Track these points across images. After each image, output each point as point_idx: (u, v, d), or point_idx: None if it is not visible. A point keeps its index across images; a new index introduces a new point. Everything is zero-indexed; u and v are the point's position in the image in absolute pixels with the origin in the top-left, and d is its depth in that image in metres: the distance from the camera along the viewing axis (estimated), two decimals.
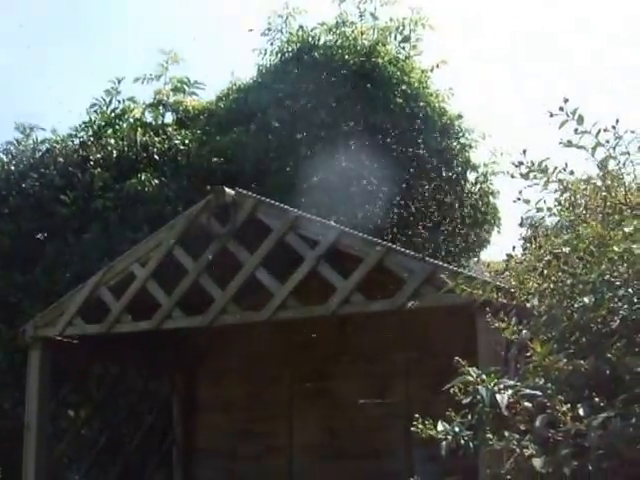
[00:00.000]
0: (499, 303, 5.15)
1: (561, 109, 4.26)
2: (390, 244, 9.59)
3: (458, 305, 7.80)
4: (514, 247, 5.50)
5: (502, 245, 18.34)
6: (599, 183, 4.52)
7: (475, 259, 17.70)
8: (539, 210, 5.13)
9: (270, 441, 12.16)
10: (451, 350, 10.29)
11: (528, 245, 5.87)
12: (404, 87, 15.95)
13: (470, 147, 17.10)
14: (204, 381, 12.95)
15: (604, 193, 4.41)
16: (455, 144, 16.66)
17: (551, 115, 4.28)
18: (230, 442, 12.37)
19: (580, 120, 4.25)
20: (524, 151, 4.62)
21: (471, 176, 17.37)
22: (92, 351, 11.21)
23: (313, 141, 15.11)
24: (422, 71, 16.65)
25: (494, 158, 17.36)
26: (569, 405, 3.32)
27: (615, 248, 4.10)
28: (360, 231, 9.69)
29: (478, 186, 17.40)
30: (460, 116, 16.94)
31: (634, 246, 3.91)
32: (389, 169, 15.13)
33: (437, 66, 16.94)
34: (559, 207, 4.81)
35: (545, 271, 4.68)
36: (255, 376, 12.21)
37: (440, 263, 9.31)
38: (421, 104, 16.07)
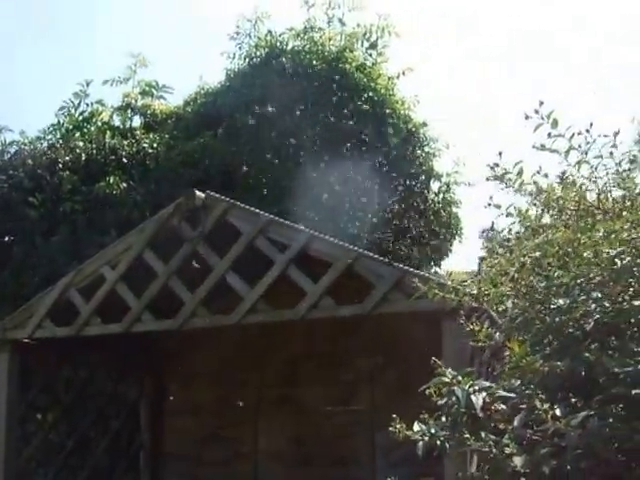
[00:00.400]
0: (468, 308, 5.16)
1: (536, 112, 4.27)
2: (360, 249, 9.66)
3: (426, 311, 7.93)
4: (482, 259, 5.53)
5: (463, 254, 18.61)
6: (572, 186, 4.56)
7: (437, 268, 17.85)
8: (509, 215, 5.24)
9: (237, 447, 12.14)
10: (415, 356, 10.49)
11: (491, 254, 5.89)
12: (371, 93, 16.06)
13: (434, 156, 17.24)
14: (172, 385, 12.93)
15: (575, 197, 4.50)
16: (420, 152, 16.80)
17: (526, 118, 4.29)
18: (197, 447, 12.34)
19: (554, 124, 4.28)
20: (500, 153, 4.67)
21: (434, 185, 17.51)
22: (61, 354, 11.15)
23: (281, 146, 15.21)
24: (389, 78, 16.78)
25: (457, 168, 17.54)
26: (548, 405, 3.37)
27: (585, 253, 4.15)
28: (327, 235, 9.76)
29: (441, 195, 17.52)
30: (425, 124, 17.07)
31: (606, 250, 3.96)
32: (355, 175, 15.28)
33: (403, 73, 17.10)
34: (531, 210, 4.93)
35: (516, 275, 4.67)
36: (223, 381, 12.19)
37: (409, 269, 9.41)
38: (387, 111, 16.19)
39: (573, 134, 4.31)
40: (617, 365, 3.33)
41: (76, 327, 10.03)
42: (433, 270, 17.41)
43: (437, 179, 17.43)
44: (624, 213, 4.09)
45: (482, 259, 5.61)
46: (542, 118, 4.27)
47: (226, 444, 12.13)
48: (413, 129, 16.73)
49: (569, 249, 4.30)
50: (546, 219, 5.04)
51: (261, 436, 12.06)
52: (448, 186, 17.60)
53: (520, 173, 4.61)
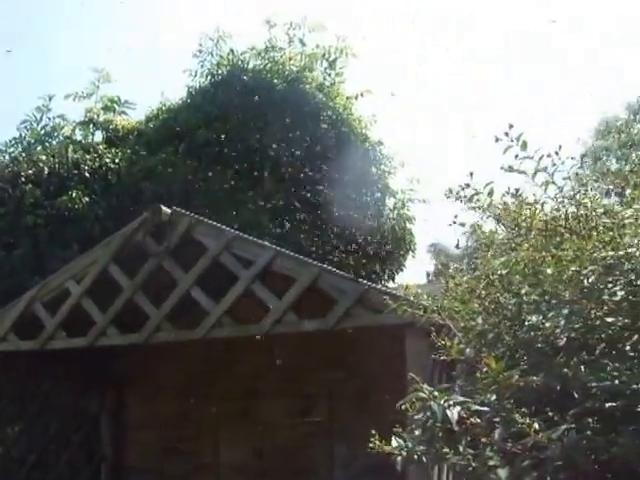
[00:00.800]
0: (431, 323, 5.24)
1: (506, 134, 4.33)
2: (323, 265, 9.84)
3: (388, 325, 8.16)
4: (453, 276, 5.56)
5: (415, 268, 19.00)
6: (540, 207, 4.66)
7: (391, 282, 18.15)
8: (474, 232, 5.44)
9: (199, 460, 12.21)
10: (373, 370, 10.72)
11: (445, 268, 5.97)
12: (329, 112, 16.40)
13: (389, 174, 17.59)
14: (134, 398, 12.91)
15: (542, 217, 4.61)
16: (375, 170, 17.13)
17: (496, 140, 4.36)
18: (159, 460, 12.35)
19: (524, 146, 4.35)
20: (471, 173, 4.77)
21: (390, 202, 17.83)
22: (25, 367, 11.18)
23: (241, 163, 15.41)
24: (347, 98, 17.12)
25: (411, 185, 17.92)
26: (528, 419, 3.46)
27: (549, 270, 4.27)
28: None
29: (396, 212, 17.84)
30: (380, 143, 17.46)
31: (573, 268, 4.09)
32: (313, 192, 15.55)
33: (361, 95, 17.46)
34: (495, 228, 5.12)
35: (484, 292, 4.77)
36: (185, 394, 12.24)
37: (371, 284, 9.61)
38: (345, 130, 16.51)
39: (542, 156, 4.42)
40: (594, 380, 3.45)
41: (41, 341, 10.08)
42: (389, 284, 17.72)
43: (392, 196, 17.76)
44: (594, 233, 4.22)
45: (437, 274, 5.77)
46: (512, 140, 4.35)
47: (188, 457, 12.19)
48: (370, 147, 17.05)
49: (535, 267, 4.43)
50: (504, 236, 5.25)
51: (222, 449, 12.13)
52: (403, 203, 17.94)
53: (491, 193, 4.74)
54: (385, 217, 17.34)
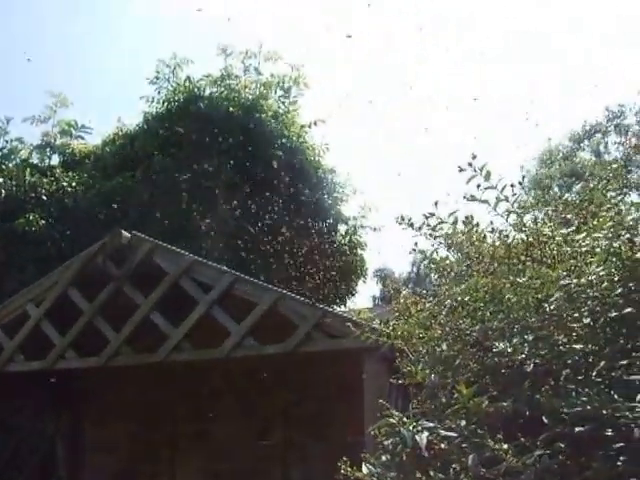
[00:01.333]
0: (389, 348, 5.37)
1: (469, 165, 4.43)
2: (282, 290, 9.96)
3: (347, 350, 8.37)
4: (416, 302, 5.64)
5: (363, 293, 19.30)
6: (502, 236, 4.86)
7: (342, 306, 18.36)
8: (425, 259, 5.58)
9: None
10: (331, 394, 10.87)
11: (396, 293, 6.02)
12: (284, 140, 16.63)
13: (342, 201, 17.86)
14: (91, 420, 12.89)
15: (503, 245, 4.78)
16: (327, 197, 17.39)
17: (460, 170, 4.45)
18: None
19: (487, 176, 4.44)
20: (436, 203, 4.91)
21: (342, 228, 18.09)
22: None
23: (196, 189, 15.55)
24: (301, 126, 17.36)
25: (363, 212, 18.20)
26: (504, 445, 3.51)
27: (510, 296, 4.34)
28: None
29: (348, 238, 18.09)
30: (333, 170, 17.70)
31: (535, 295, 4.19)
32: (267, 219, 15.75)
33: (315, 123, 17.68)
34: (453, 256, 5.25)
35: (445, 318, 4.85)
36: (141, 417, 12.25)
37: (330, 309, 9.78)
38: (299, 157, 16.76)
39: (505, 185, 4.54)
40: (566, 406, 3.55)
41: None
42: (340, 308, 17.92)
43: (344, 222, 18.01)
44: (556, 262, 4.39)
45: (386, 298, 5.86)
46: (475, 170, 4.45)
47: None
48: (322, 175, 17.30)
49: (495, 293, 4.51)
50: (462, 263, 5.33)
51: (178, 471, 12.17)
52: (355, 229, 18.19)
53: (455, 222, 4.92)
54: (338, 243, 17.56)
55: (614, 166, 6.83)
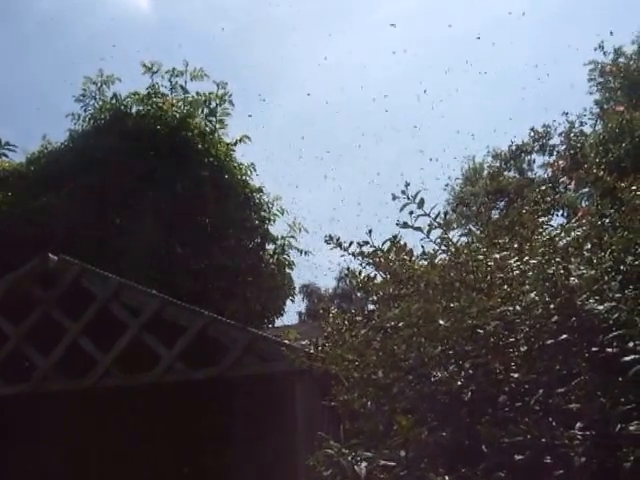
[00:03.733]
0: (321, 372, 5.27)
1: (403, 193, 4.53)
2: (212, 314, 9.90)
3: (278, 373, 8.38)
4: (350, 329, 5.59)
5: (288, 309, 19.36)
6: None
7: (270, 325, 18.34)
8: (367, 282, 5.56)
9: None
10: (262, 417, 10.80)
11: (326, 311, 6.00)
12: (211, 159, 16.57)
13: (269, 220, 17.84)
14: (18, 448, 12.48)
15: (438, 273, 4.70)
16: (255, 216, 17.36)
17: (394, 198, 4.57)
18: None
19: (420, 204, 4.55)
20: (370, 231, 4.97)
21: (270, 247, 18.07)
22: None
23: (122, 207, 15.39)
24: (227, 144, 17.32)
25: (292, 232, 18.21)
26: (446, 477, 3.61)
27: (442, 322, 4.35)
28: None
29: (276, 257, 18.07)
30: (260, 189, 17.66)
31: (470, 322, 4.20)
32: (192, 237, 15.66)
33: (240, 140, 17.65)
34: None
35: (380, 344, 4.82)
36: (70, 443, 11.90)
37: (260, 332, 9.78)
38: (226, 176, 16.71)
39: (439, 213, 4.68)
40: (506, 435, 3.61)
41: None
42: (268, 327, 17.89)
43: (272, 242, 18.00)
44: (496, 291, 4.40)
45: (311, 315, 5.74)
46: (408, 198, 4.57)
47: None
48: (250, 194, 17.27)
49: (428, 318, 4.50)
50: (392, 287, 5.23)
51: None
52: (283, 248, 18.18)
53: (390, 250, 4.94)
54: (265, 262, 17.53)
55: (542, 188, 6.95)
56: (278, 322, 18.39)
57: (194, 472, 11.48)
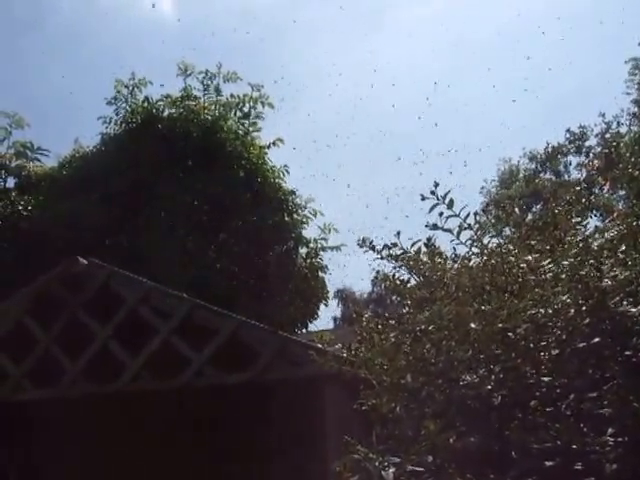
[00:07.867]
0: (352, 376, 5.20)
1: (432, 193, 4.41)
2: (243, 318, 9.78)
3: (309, 377, 8.23)
4: (379, 332, 5.49)
5: (323, 314, 19.25)
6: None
7: (303, 329, 18.24)
8: (399, 285, 5.45)
9: None
10: (292, 421, 10.66)
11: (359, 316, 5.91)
12: (244, 162, 16.51)
13: (302, 223, 17.74)
14: (45, 450, 12.48)
15: (468, 274, 4.64)
16: (288, 219, 17.27)
17: (423, 199, 4.42)
18: None
19: (450, 204, 4.44)
20: (398, 233, 4.84)
21: (302, 251, 17.97)
22: None
23: (153, 212, 15.38)
24: (260, 147, 17.24)
25: (324, 235, 18.10)
26: None
27: (474, 325, 4.28)
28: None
29: (309, 260, 17.97)
30: (293, 192, 17.56)
31: (501, 325, 4.10)
32: (228, 241, 15.60)
33: (273, 143, 17.58)
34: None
35: (409, 348, 4.74)
36: (97, 447, 11.77)
37: (291, 336, 9.64)
38: (259, 179, 16.64)
39: (468, 214, 4.52)
40: (535, 442, 3.52)
41: None
42: (302, 331, 17.81)
43: (305, 245, 17.89)
44: (527, 294, 4.28)
45: (347, 320, 5.66)
46: (438, 199, 4.44)
47: None
48: (283, 197, 17.18)
49: (459, 322, 4.42)
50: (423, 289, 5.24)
51: None
52: (316, 252, 18.07)
53: (418, 252, 4.83)
54: (298, 266, 17.43)
55: (577, 188, 6.79)
56: (312, 327, 18.25)
57: (224, 476, 11.39)
